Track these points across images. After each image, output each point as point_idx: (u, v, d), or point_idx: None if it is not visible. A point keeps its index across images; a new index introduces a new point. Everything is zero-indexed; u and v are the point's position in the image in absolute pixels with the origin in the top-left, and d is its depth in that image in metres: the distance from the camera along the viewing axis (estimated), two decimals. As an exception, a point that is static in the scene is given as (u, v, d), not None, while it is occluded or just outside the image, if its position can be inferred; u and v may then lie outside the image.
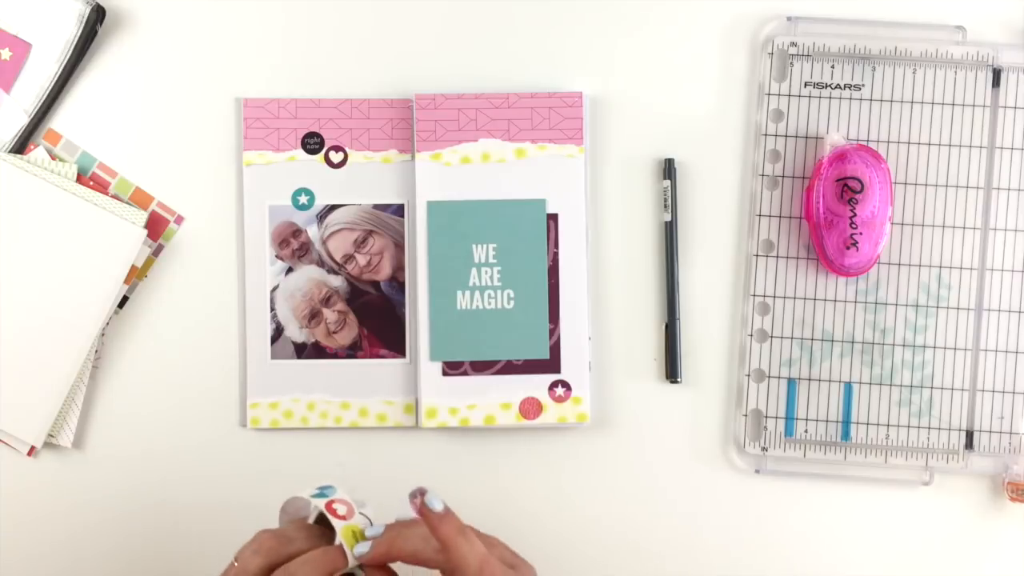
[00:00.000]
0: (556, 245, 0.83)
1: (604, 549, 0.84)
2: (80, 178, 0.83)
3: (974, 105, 0.82)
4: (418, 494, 0.63)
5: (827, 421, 0.83)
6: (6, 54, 0.82)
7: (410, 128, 0.83)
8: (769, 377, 0.83)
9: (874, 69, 0.82)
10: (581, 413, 0.83)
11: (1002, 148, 0.82)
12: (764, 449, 0.83)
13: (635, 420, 0.84)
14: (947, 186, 0.82)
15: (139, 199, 0.83)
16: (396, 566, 0.65)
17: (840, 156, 0.80)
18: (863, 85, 0.82)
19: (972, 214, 0.82)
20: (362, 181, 0.83)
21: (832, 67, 0.82)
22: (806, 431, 0.83)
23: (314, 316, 0.83)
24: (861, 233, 0.80)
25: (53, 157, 0.83)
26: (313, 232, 0.83)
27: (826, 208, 0.81)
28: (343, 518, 0.64)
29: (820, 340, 0.83)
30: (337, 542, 0.63)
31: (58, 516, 0.83)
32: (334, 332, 0.83)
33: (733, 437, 0.83)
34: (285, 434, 0.84)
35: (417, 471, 0.84)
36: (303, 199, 0.83)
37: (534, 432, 0.83)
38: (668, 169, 0.83)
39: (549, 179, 0.82)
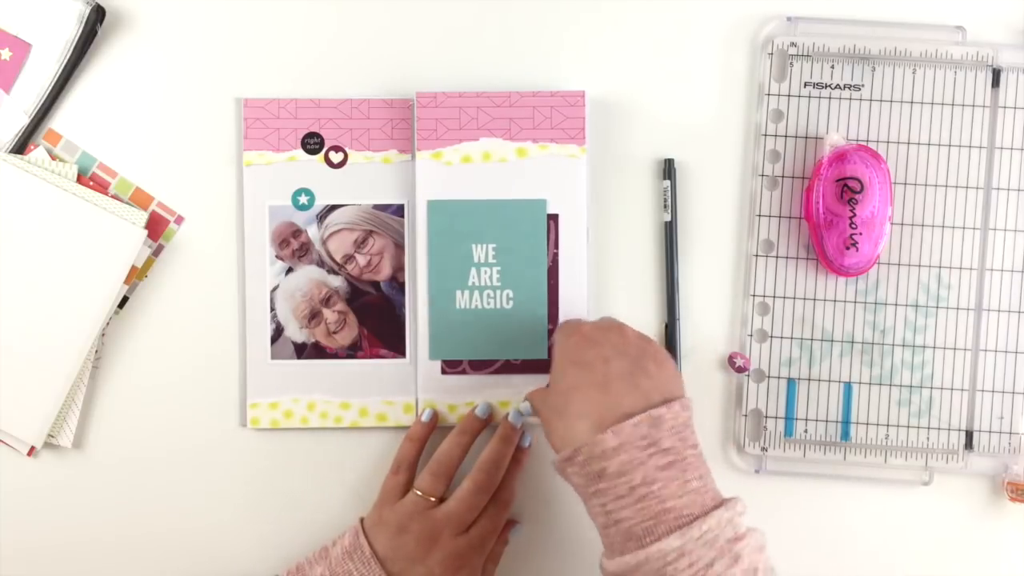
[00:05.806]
0: (556, 245, 0.82)
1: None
2: (80, 178, 0.82)
3: (974, 105, 0.82)
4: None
5: (827, 421, 0.83)
6: (6, 54, 0.82)
7: (410, 128, 0.83)
8: (769, 377, 0.83)
9: (874, 69, 0.82)
10: (581, 413, 0.82)
11: (1002, 148, 0.83)
12: (764, 449, 0.83)
13: (635, 420, 0.84)
14: (947, 186, 0.82)
15: (139, 199, 0.83)
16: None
17: (840, 156, 0.80)
18: (863, 85, 0.82)
19: (972, 214, 0.82)
20: (362, 181, 0.83)
21: (832, 67, 0.82)
22: (806, 431, 0.83)
23: (314, 316, 0.83)
24: (861, 233, 0.80)
25: (53, 157, 0.83)
26: (313, 232, 0.83)
27: (826, 208, 0.80)
28: None
29: (820, 340, 0.83)
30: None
31: (58, 516, 0.83)
32: (334, 332, 0.83)
33: (733, 437, 0.83)
34: (285, 434, 0.84)
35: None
36: (303, 199, 0.83)
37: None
38: (668, 169, 0.83)
39: (550, 179, 0.82)
